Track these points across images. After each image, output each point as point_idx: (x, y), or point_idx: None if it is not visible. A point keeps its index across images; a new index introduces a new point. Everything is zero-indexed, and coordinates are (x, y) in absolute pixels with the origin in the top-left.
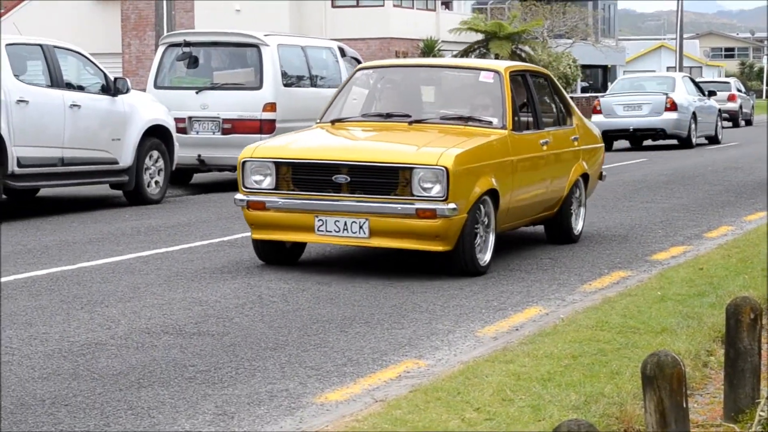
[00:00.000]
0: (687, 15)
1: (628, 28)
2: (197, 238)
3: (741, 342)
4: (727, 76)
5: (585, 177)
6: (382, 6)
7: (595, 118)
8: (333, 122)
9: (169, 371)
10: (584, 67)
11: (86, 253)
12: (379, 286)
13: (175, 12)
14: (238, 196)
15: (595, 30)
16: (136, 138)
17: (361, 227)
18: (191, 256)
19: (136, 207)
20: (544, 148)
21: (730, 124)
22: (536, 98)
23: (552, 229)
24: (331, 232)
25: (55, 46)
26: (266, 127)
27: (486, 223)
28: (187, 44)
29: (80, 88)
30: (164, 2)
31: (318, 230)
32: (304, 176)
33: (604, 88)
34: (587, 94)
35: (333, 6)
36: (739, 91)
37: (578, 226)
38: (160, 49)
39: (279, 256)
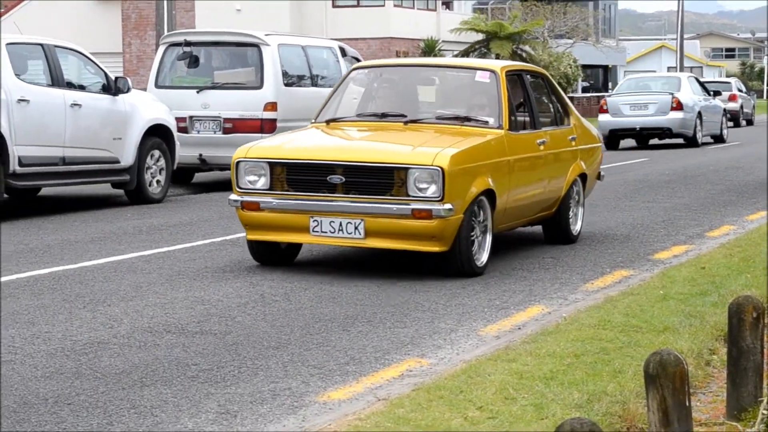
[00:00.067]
0: (687, 15)
1: (628, 29)
2: (199, 237)
3: (743, 341)
4: (727, 76)
5: (583, 177)
6: (383, 6)
7: (602, 117)
8: (328, 122)
9: (171, 370)
10: (585, 67)
11: (88, 252)
12: (382, 285)
13: (175, 12)
14: (233, 196)
15: (596, 30)
16: (138, 137)
17: (356, 228)
18: (193, 255)
19: (138, 206)
20: (541, 147)
21: (731, 123)
22: (533, 98)
23: (550, 230)
24: (326, 232)
25: (56, 46)
26: (267, 127)
27: (482, 223)
28: (188, 44)
29: (81, 88)
30: (165, 2)
31: (313, 231)
32: (299, 176)
33: (605, 88)
34: (588, 94)
35: (333, 6)
36: (740, 91)
37: (576, 226)
38: (161, 49)
39: (274, 257)
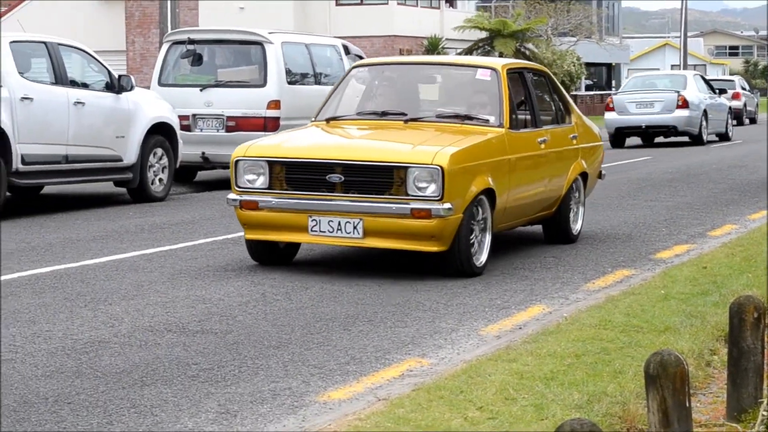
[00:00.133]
0: (691, 13)
1: (632, 26)
2: (201, 236)
3: (744, 341)
4: (731, 74)
5: (584, 176)
6: (386, 4)
7: (608, 115)
8: (328, 120)
9: (172, 369)
10: (588, 65)
11: (90, 250)
12: (383, 285)
13: (179, 10)
14: (231, 195)
15: (600, 28)
16: (140, 135)
17: (355, 227)
18: (195, 254)
19: (140, 204)
20: (542, 146)
21: (734, 122)
22: (534, 96)
23: (550, 229)
24: (324, 232)
25: (60, 44)
26: (270, 125)
27: (482, 223)
28: (192, 42)
29: (84, 86)
30: (168, 0)
31: (311, 230)
32: (298, 175)
33: (609, 86)
34: (591, 92)
35: (337, 4)
36: (743, 89)
37: (577, 225)
38: (164, 47)
39: (272, 257)
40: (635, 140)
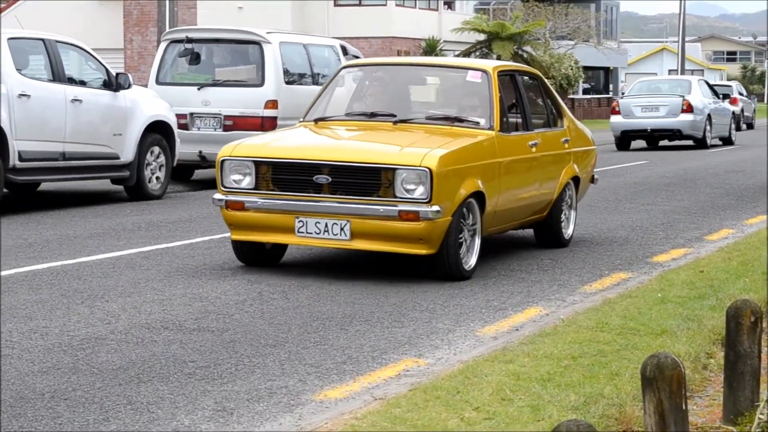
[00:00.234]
0: (689, 18)
1: (630, 31)
2: (198, 234)
3: (741, 345)
4: (728, 79)
5: (576, 180)
6: (385, 5)
7: (614, 118)
8: (316, 121)
9: (168, 367)
10: (586, 68)
11: (87, 247)
12: (380, 285)
13: (177, 8)
14: (217, 195)
15: (598, 32)
16: (138, 133)
17: (342, 229)
18: (192, 252)
19: (137, 202)
20: (533, 149)
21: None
22: (525, 99)
23: (541, 233)
24: (311, 233)
25: (58, 41)
26: (268, 124)
27: (471, 226)
28: (190, 40)
29: (82, 83)
30: None
31: (298, 231)
32: (285, 176)
33: (606, 90)
34: (589, 96)
35: (335, 5)
36: (740, 94)
37: (568, 230)
38: (162, 45)
39: (259, 258)
40: (640, 143)
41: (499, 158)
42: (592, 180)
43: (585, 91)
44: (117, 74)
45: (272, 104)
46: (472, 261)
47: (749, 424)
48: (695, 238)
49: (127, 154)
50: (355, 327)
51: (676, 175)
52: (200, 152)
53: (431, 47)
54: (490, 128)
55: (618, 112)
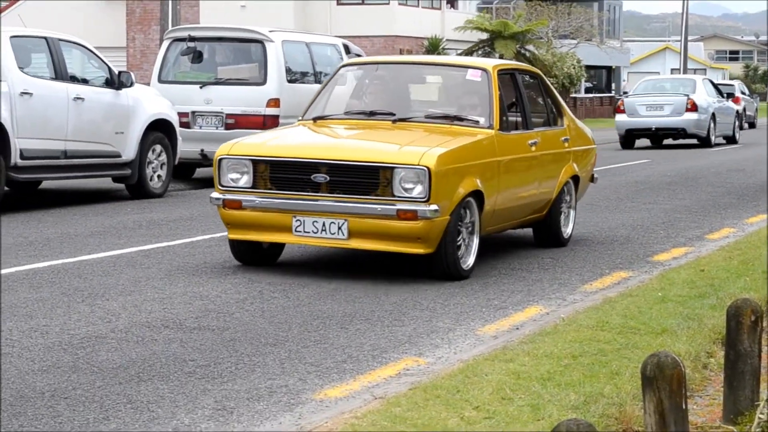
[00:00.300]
0: (692, 17)
1: (633, 30)
2: (199, 233)
3: (741, 344)
4: (731, 78)
5: (575, 179)
6: (387, 4)
7: (619, 117)
8: (315, 120)
9: (168, 365)
10: (588, 67)
11: (88, 246)
12: (380, 284)
13: (180, 7)
14: (214, 194)
15: (600, 31)
16: (140, 132)
17: (339, 228)
18: (193, 251)
19: (139, 200)
20: (533, 148)
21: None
22: (525, 98)
23: (541, 232)
24: (309, 232)
25: (60, 39)
26: (270, 123)
27: (470, 225)
28: (192, 39)
29: (84, 81)
30: None
31: (296, 231)
32: (282, 175)
33: (608, 89)
34: (591, 95)
35: (338, 3)
36: (743, 93)
37: (568, 229)
38: (165, 44)
39: (256, 257)
40: (644, 142)
41: (499, 157)
42: (592, 179)
43: (587, 90)
44: (119, 72)
45: (274, 103)
46: (470, 260)
47: (749, 423)
48: (696, 237)
49: (129, 153)
50: (355, 326)
51: (678, 174)
52: (202, 151)
53: (434, 46)
54: (490, 127)
55: (623, 111)
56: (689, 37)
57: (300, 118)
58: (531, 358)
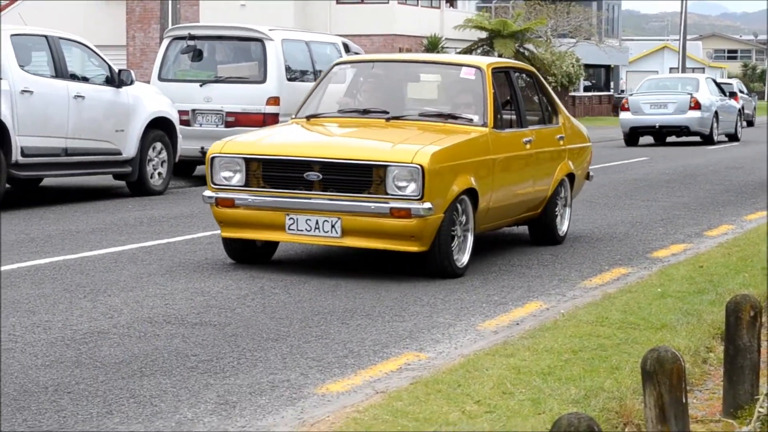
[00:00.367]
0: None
1: (631, 29)
2: (199, 230)
3: (740, 339)
4: (729, 77)
5: (571, 177)
6: (387, 3)
7: (623, 115)
8: (308, 118)
9: (171, 360)
10: (587, 66)
11: (89, 242)
12: (381, 279)
13: (180, 5)
14: (207, 192)
15: (599, 30)
16: (140, 129)
17: (333, 226)
18: (194, 247)
19: (139, 198)
20: (527, 146)
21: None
22: (520, 96)
23: (536, 230)
24: (302, 231)
25: (60, 37)
26: (269, 121)
27: (464, 223)
28: (192, 37)
29: (84, 79)
30: None
31: (289, 229)
32: (275, 173)
33: (607, 88)
34: (590, 94)
35: (338, 2)
36: (741, 92)
37: (563, 227)
38: (165, 42)
39: (250, 255)
40: (648, 139)
41: (493, 155)
42: (588, 177)
43: (586, 89)
44: (119, 71)
45: (274, 101)
46: (464, 258)
47: (749, 417)
48: (695, 234)
49: (130, 150)
50: (356, 321)
51: (676, 172)
52: (202, 148)
53: (433, 45)
54: (484, 125)
55: (627, 109)
56: (688, 36)
57: (293, 116)
58: (531, 353)
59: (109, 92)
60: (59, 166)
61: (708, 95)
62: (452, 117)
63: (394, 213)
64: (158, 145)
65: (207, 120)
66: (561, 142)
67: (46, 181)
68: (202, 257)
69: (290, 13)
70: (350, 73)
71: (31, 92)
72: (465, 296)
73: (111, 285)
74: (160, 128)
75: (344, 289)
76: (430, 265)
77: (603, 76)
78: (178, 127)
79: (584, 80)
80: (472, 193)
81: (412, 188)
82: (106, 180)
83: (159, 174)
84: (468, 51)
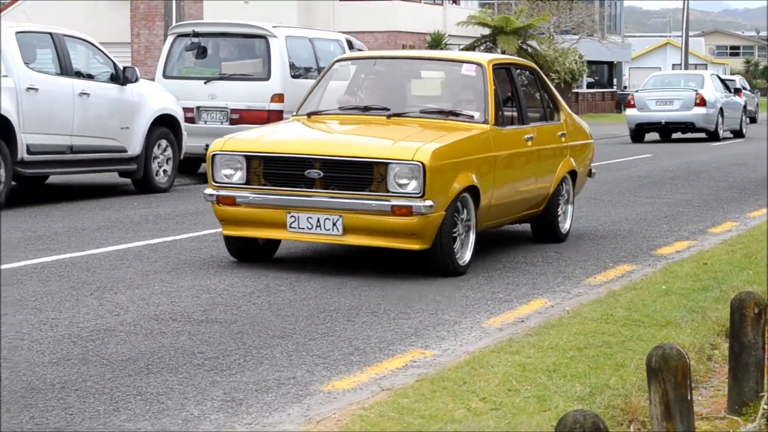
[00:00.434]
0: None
1: (634, 25)
2: (205, 227)
3: (745, 336)
4: (732, 74)
5: (573, 174)
6: (390, 0)
7: (629, 111)
8: (309, 115)
9: (177, 358)
10: (590, 63)
11: (95, 240)
12: (386, 277)
13: (184, 3)
14: (208, 190)
15: (602, 26)
16: (145, 127)
17: (334, 224)
18: (199, 245)
19: (145, 195)
20: (529, 143)
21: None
22: (521, 92)
23: (538, 228)
24: (303, 228)
25: (65, 35)
26: (274, 118)
27: (466, 221)
28: (196, 35)
29: (89, 77)
30: None
31: (290, 227)
32: (276, 171)
33: (610, 84)
34: (593, 90)
35: (341, 0)
36: (744, 88)
37: (565, 224)
38: (169, 39)
39: (252, 253)
40: (654, 135)
41: (494, 152)
42: (590, 174)
43: (589, 86)
44: (124, 68)
45: (278, 98)
46: (466, 256)
47: (753, 414)
48: (699, 231)
49: (135, 148)
50: (362, 318)
51: (680, 169)
52: (207, 146)
53: (436, 42)
54: (485, 122)
55: (633, 106)
56: (690, 33)
57: (294, 113)
58: (536, 350)
59: (114, 89)
60: (65, 163)
61: (713, 92)
62: (453, 114)
63: (395, 211)
64: (163, 143)
65: (212, 117)
66: (563, 139)
67: (52, 179)
68: (207, 254)
69: (293, 10)
70: (351, 70)
71: (36, 90)
72: (470, 293)
73: (117, 282)
74: (165, 125)
75: (349, 286)
76: (431, 262)
77: (606, 72)
78: (183, 124)
79: (587, 77)
80: (473, 190)
81: (413, 186)
82: (111, 177)
83: (164, 171)
84: (471, 48)
